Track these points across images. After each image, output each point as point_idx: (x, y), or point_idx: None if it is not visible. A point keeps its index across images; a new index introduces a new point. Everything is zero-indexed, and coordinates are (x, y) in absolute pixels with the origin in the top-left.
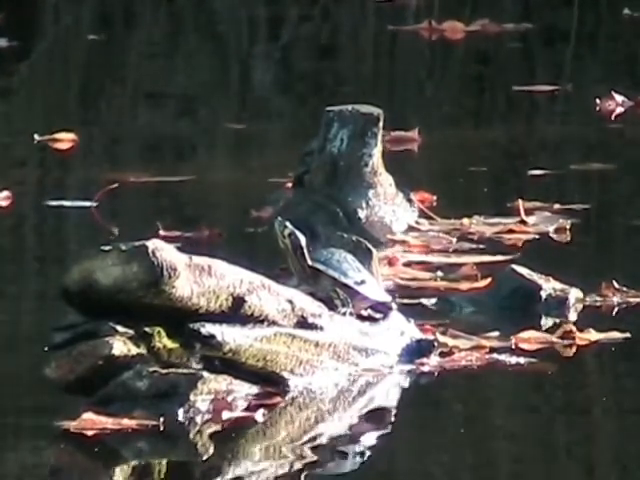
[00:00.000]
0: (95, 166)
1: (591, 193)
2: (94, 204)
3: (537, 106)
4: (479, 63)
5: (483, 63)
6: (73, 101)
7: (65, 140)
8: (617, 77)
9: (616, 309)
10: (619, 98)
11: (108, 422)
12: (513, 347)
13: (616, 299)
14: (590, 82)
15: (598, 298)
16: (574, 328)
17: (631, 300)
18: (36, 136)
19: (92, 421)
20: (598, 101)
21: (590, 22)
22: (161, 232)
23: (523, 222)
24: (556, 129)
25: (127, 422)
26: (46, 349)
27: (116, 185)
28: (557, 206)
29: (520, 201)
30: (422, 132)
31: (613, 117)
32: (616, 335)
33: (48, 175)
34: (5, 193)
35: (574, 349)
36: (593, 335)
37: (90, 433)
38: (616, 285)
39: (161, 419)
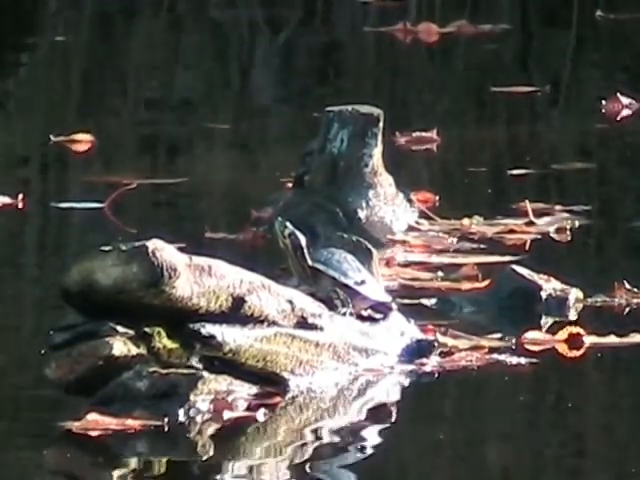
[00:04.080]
0: (100, 168)
1: (593, 194)
2: (104, 205)
3: (523, 107)
4: (460, 64)
5: (465, 64)
6: (74, 104)
7: (83, 141)
8: (609, 78)
9: (626, 310)
10: (625, 100)
11: (112, 422)
12: (514, 348)
13: (618, 300)
14: (581, 83)
15: (607, 299)
16: (582, 331)
17: (635, 301)
18: (52, 137)
19: (96, 422)
20: (604, 102)
21: (569, 24)
22: (207, 234)
23: (531, 223)
24: (554, 130)
25: (131, 422)
26: (43, 352)
27: (134, 185)
28: (558, 207)
29: (527, 202)
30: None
31: (619, 118)
32: (628, 339)
33: (61, 177)
34: (21, 196)
35: (579, 351)
36: (601, 339)
37: (94, 433)
38: (627, 286)
39: (165, 419)
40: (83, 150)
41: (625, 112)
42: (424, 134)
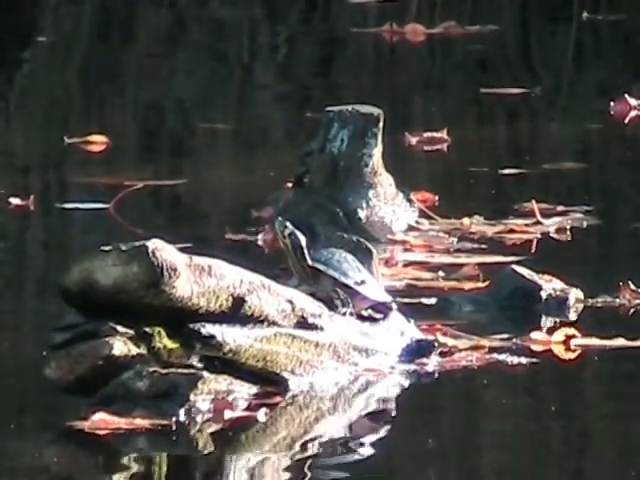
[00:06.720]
0: (102, 169)
1: (594, 194)
2: (109, 206)
3: (521, 108)
4: (450, 64)
5: (455, 65)
6: (75, 105)
7: (98, 142)
8: (608, 78)
9: (630, 311)
10: (633, 101)
11: (121, 422)
12: (514, 348)
13: (620, 301)
14: (579, 84)
15: (609, 299)
16: (577, 332)
17: (638, 302)
18: (65, 138)
19: (105, 421)
20: (612, 104)
21: (557, 25)
22: (228, 236)
23: (538, 224)
24: (553, 129)
25: (139, 422)
26: (43, 352)
27: (139, 186)
28: (560, 207)
29: (533, 202)
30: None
31: (627, 120)
32: (621, 342)
33: (69, 178)
34: (32, 197)
35: (574, 353)
36: (589, 340)
37: (101, 433)
38: (632, 287)
39: (173, 419)
40: (98, 151)
41: (633, 113)
42: (435, 134)
